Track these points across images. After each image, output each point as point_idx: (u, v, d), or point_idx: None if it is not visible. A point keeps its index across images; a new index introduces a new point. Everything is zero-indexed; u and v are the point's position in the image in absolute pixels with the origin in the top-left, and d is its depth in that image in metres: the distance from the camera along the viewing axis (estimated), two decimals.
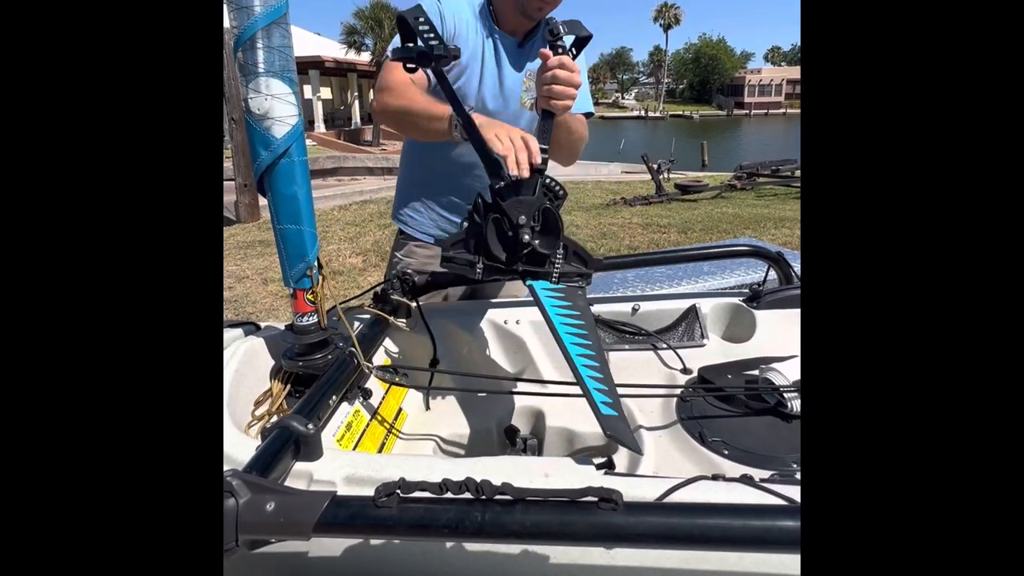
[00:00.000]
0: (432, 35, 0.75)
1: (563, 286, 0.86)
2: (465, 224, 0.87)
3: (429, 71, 1.09)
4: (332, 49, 19.14)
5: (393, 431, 0.92)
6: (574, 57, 0.95)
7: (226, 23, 0.70)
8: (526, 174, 0.82)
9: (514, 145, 0.84)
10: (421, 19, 0.75)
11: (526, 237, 0.81)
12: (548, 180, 0.87)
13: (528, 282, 0.85)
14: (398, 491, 0.48)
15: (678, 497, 0.54)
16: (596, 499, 0.46)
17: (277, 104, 0.71)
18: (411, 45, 0.76)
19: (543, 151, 0.87)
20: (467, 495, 0.48)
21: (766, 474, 0.69)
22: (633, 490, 0.54)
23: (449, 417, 0.98)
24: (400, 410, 0.96)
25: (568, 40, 0.94)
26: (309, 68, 18.31)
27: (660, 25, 58.55)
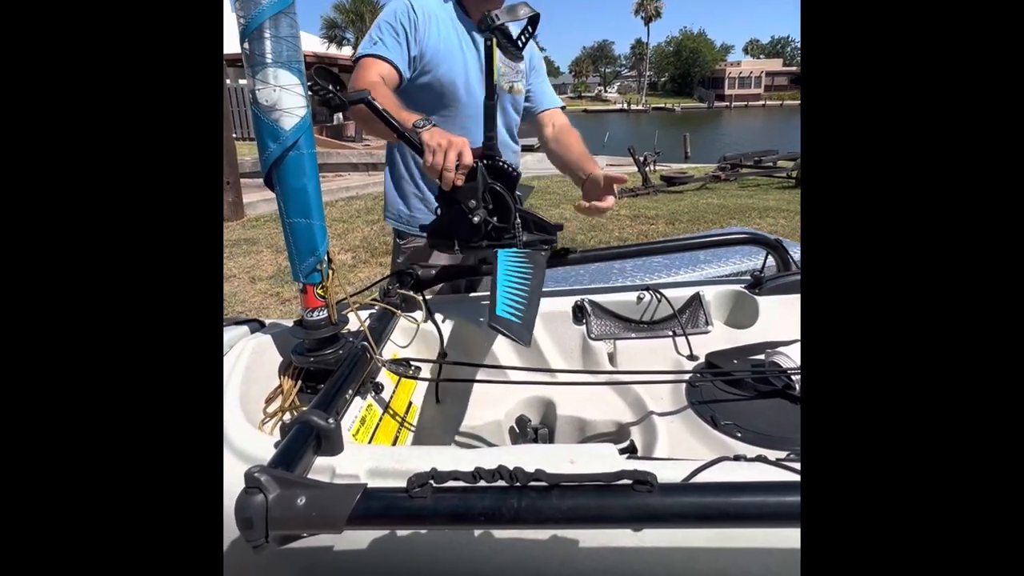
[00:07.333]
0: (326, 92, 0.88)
1: (527, 251, 0.95)
2: (438, 211, 0.99)
3: (401, 71, 1.22)
4: (312, 44, 18.82)
5: (405, 424, 0.92)
6: (525, 41, 1.04)
7: (232, 13, 0.69)
8: (448, 185, 0.90)
9: (444, 158, 0.90)
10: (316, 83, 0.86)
11: (476, 219, 0.93)
12: (500, 163, 0.95)
13: (496, 251, 0.94)
14: (431, 481, 0.48)
15: (704, 478, 0.55)
16: (631, 482, 0.46)
17: (285, 95, 0.69)
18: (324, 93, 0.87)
19: (488, 138, 0.95)
20: (501, 483, 0.48)
21: (780, 454, 0.71)
22: (659, 472, 0.55)
23: (459, 409, 0.98)
24: (411, 403, 0.96)
25: (516, 27, 1.01)
26: None
27: (641, 18, 58.66)
